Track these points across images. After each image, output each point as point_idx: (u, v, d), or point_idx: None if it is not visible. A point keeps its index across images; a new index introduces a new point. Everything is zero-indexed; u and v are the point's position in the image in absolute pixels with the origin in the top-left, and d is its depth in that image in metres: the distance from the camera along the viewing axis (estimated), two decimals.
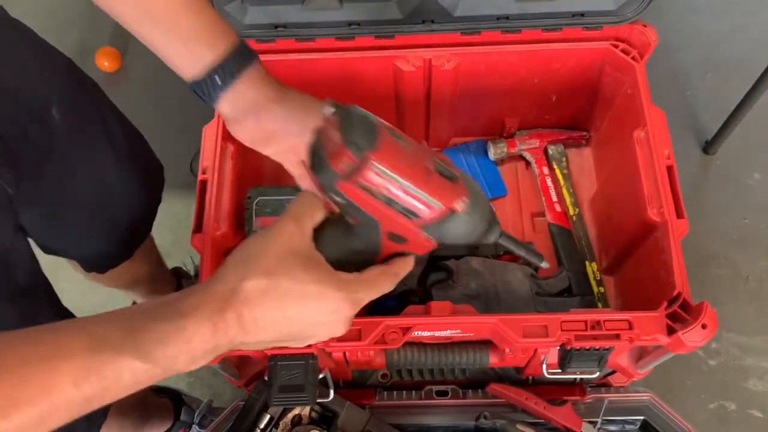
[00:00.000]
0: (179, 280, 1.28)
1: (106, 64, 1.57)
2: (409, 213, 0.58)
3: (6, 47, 0.76)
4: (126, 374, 0.48)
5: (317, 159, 0.59)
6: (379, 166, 0.56)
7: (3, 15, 0.79)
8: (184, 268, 1.34)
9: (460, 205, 0.59)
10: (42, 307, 0.81)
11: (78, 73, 0.88)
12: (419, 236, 0.61)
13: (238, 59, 0.66)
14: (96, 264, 1.07)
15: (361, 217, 0.59)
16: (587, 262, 1.18)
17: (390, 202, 0.58)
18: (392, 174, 0.56)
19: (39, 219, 0.85)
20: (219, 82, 0.65)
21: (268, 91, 0.67)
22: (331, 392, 0.93)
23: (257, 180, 1.16)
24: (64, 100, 0.82)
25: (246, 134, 0.68)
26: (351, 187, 0.56)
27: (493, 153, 1.27)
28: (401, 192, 0.57)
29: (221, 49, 0.65)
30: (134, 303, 1.26)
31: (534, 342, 0.84)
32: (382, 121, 0.60)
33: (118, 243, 1.05)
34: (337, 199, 0.58)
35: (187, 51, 0.65)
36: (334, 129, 0.58)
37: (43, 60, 0.82)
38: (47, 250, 0.94)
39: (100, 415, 0.90)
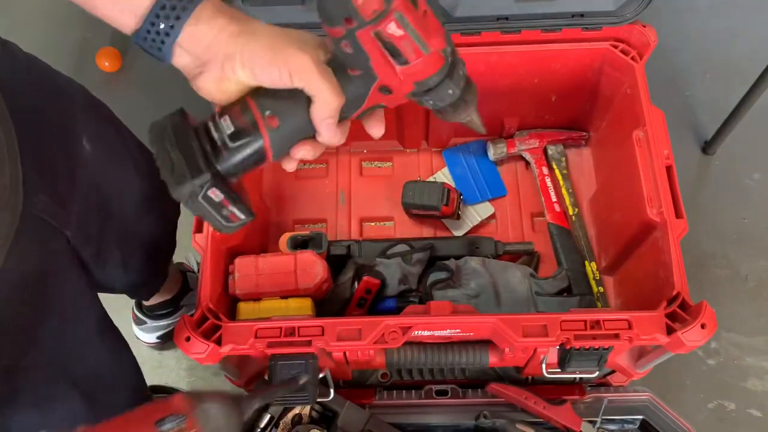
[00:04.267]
0: (185, 275, 1.29)
1: (106, 64, 1.57)
2: (402, 60, 0.59)
3: (34, 93, 0.74)
4: None
5: (339, 4, 0.57)
6: (401, 16, 0.57)
7: (17, 52, 0.75)
8: (186, 263, 1.35)
9: (444, 50, 0.63)
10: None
11: (93, 100, 0.88)
12: (405, 88, 0.62)
13: None
14: (141, 291, 1.09)
15: (362, 69, 0.60)
16: (587, 262, 1.18)
17: (396, 54, 0.58)
18: (410, 25, 0.58)
19: (92, 257, 0.84)
20: (162, 27, 0.52)
21: (231, 26, 0.54)
22: (332, 392, 0.93)
23: (257, 178, 1.16)
24: (91, 129, 0.83)
25: (213, 87, 0.57)
26: (369, 36, 0.57)
27: (492, 153, 1.27)
28: (410, 43, 0.58)
29: None
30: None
31: (533, 341, 0.84)
32: None
33: (157, 267, 1.08)
34: (348, 51, 0.58)
35: None
36: None
37: (66, 97, 0.81)
38: (98, 288, 0.91)
39: None
